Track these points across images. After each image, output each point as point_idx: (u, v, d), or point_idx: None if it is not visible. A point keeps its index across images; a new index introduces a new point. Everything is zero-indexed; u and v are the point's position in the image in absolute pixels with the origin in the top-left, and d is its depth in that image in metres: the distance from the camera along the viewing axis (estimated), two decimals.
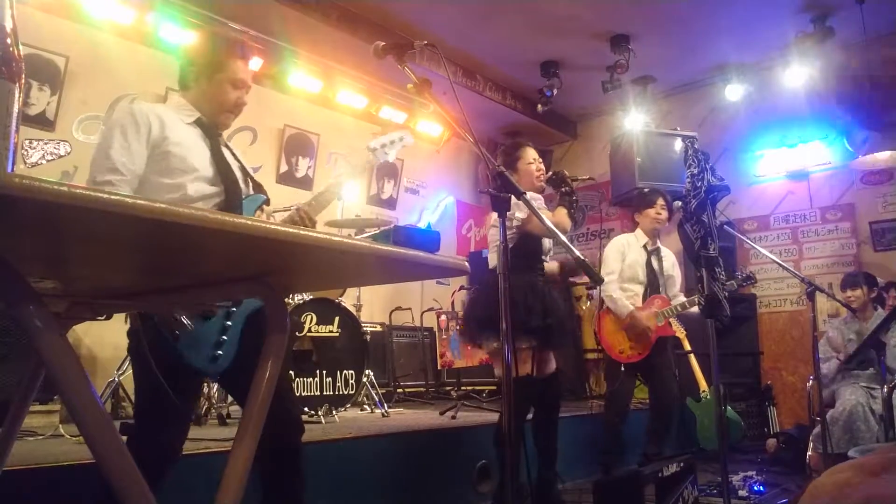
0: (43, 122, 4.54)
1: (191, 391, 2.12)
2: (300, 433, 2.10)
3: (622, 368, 4.01)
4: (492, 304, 2.86)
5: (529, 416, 3.18)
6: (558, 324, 3.07)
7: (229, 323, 1.99)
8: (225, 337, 1.97)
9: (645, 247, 4.12)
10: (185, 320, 1.87)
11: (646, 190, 4.39)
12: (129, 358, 2.02)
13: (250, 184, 2.19)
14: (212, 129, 2.12)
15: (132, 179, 1.90)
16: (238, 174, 2.13)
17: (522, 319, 2.94)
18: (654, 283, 4.10)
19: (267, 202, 2.19)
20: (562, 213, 3.08)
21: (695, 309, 4.06)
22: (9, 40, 0.81)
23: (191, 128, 2.07)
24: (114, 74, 4.91)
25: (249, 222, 0.81)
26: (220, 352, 1.95)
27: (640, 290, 4.05)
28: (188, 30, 5.07)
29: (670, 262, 4.25)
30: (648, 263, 4.10)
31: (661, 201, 4.12)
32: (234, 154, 2.20)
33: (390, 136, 2.56)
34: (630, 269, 4.05)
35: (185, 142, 2.00)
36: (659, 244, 4.21)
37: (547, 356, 3.17)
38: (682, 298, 4.12)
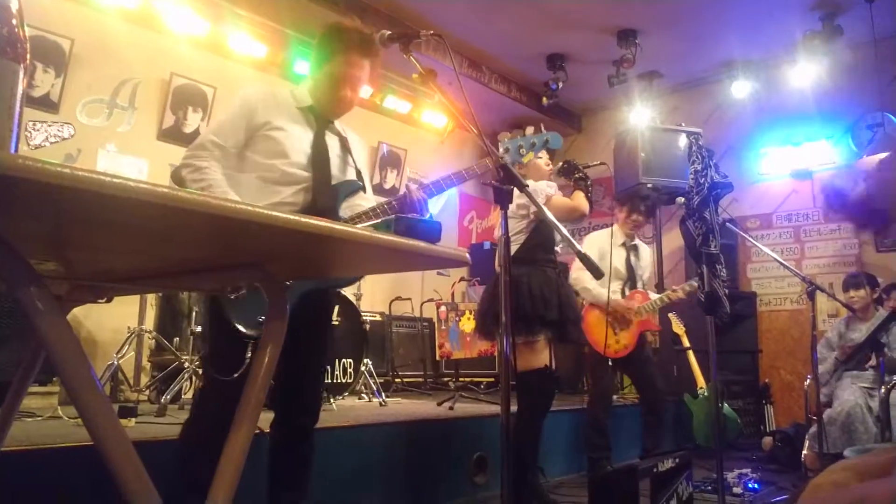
0: (47, 104, 4.54)
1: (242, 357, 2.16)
2: (313, 419, 2.19)
3: (609, 363, 4.02)
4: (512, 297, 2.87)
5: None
6: (575, 317, 3.09)
7: None
8: None
9: (623, 244, 4.12)
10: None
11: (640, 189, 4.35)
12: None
13: (350, 173, 2.21)
14: (322, 117, 2.19)
15: (219, 152, 2.03)
16: (337, 162, 2.16)
17: (540, 313, 2.95)
18: (632, 279, 4.12)
19: (362, 189, 2.21)
20: (579, 196, 3.14)
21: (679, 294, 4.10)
22: (14, 21, 0.81)
23: (300, 113, 2.16)
24: (119, 58, 4.91)
25: (249, 208, 0.80)
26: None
27: (618, 286, 4.05)
28: (195, 15, 5.06)
29: (647, 258, 4.29)
30: (627, 259, 4.11)
31: (642, 207, 4.12)
32: (343, 142, 2.22)
33: (529, 139, 2.23)
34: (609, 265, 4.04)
35: (287, 127, 2.09)
36: (637, 240, 4.22)
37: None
38: (656, 294, 4.17)
